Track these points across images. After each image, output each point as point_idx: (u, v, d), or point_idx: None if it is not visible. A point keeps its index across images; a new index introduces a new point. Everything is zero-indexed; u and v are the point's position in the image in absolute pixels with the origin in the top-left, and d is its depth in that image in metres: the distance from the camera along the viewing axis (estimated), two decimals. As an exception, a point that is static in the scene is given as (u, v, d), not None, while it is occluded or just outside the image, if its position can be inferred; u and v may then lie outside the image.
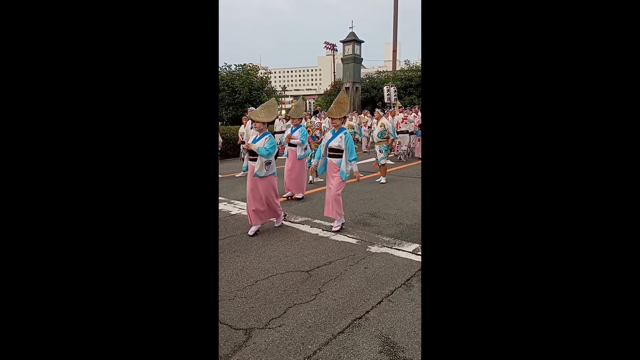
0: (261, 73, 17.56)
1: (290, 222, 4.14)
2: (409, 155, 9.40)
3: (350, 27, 18.21)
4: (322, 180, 6.60)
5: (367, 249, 3.25)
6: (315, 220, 4.15)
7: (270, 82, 18.28)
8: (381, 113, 6.79)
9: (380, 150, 6.32)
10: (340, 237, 3.58)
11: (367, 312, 2.20)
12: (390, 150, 6.77)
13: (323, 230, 3.81)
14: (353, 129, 10.23)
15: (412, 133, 9.40)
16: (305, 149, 5.36)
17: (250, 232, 3.68)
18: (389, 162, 7.36)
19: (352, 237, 3.57)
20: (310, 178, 6.49)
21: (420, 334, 1.96)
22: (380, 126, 6.33)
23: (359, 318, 2.13)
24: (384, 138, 6.32)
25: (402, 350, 1.83)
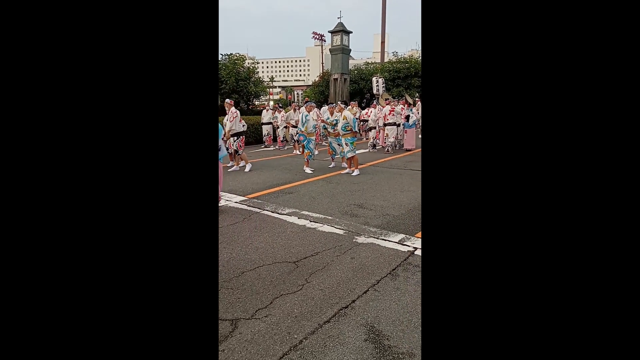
0: (248, 63, 17.29)
1: (278, 213, 4.13)
2: (396, 147, 9.46)
3: (338, 18, 18.02)
4: (312, 172, 6.60)
5: (354, 240, 3.28)
6: (303, 212, 4.15)
7: (258, 72, 18.03)
8: (343, 106, 6.82)
9: (346, 144, 6.34)
10: (327, 228, 3.60)
11: (353, 301, 2.22)
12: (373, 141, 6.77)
13: (310, 221, 3.82)
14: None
15: (399, 125, 9.45)
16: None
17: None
18: (386, 153, 7.37)
19: (340, 228, 3.59)
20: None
21: (404, 322, 2.00)
22: (343, 119, 6.37)
23: (345, 307, 2.15)
24: (347, 130, 6.34)
25: (387, 338, 1.86)
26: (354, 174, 6.29)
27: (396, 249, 3.04)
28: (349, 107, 11.59)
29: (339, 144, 6.72)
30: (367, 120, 10.56)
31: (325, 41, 28.23)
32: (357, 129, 6.57)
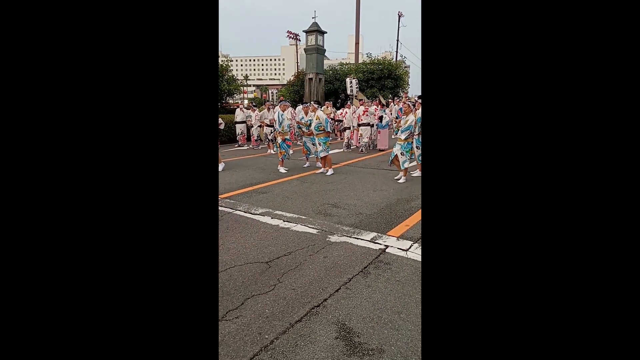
0: (221, 60, 16.95)
1: (251, 213, 4.08)
2: (370, 147, 9.60)
3: (313, 17, 18.04)
4: (286, 172, 6.57)
5: (327, 239, 3.29)
6: (276, 212, 4.13)
7: (231, 70, 17.71)
8: (316, 106, 6.85)
9: (319, 143, 6.39)
10: (300, 228, 3.60)
11: (325, 300, 2.24)
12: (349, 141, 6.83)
13: (284, 221, 3.80)
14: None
15: (372, 125, 9.59)
16: None
17: None
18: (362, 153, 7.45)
19: (313, 228, 3.60)
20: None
21: (375, 319, 2.03)
22: (316, 119, 6.42)
23: (317, 306, 2.16)
24: (320, 130, 6.40)
25: (357, 335, 1.88)
26: (327, 173, 6.33)
27: (368, 247, 3.09)
28: (323, 107, 11.66)
29: (313, 144, 6.73)
30: (341, 121, 10.65)
31: (300, 40, 28.18)
32: (330, 129, 6.60)
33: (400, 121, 6.28)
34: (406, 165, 5.74)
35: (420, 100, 8.57)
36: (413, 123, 5.79)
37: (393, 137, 10.57)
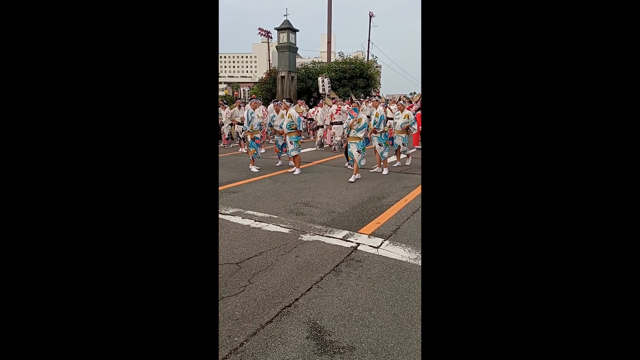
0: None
1: (221, 213, 3.99)
2: (342, 145, 9.65)
3: (285, 15, 17.89)
4: (258, 170, 6.48)
5: (299, 238, 3.28)
6: (248, 211, 4.06)
7: (201, 67, 17.20)
8: (288, 104, 6.87)
9: (290, 142, 6.37)
10: (272, 228, 3.56)
11: (297, 299, 2.22)
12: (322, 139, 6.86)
13: (255, 221, 3.75)
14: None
15: (343, 123, 9.63)
16: None
17: None
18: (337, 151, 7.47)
19: (285, 227, 3.57)
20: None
21: (346, 316, 2.04)
22: (288, 117, 6.39)
23: (288, 306, 2.14)
24: (292, 129, 6.38)
25: (329, 334, 1.88)
26: (295, 172, 6.28)
27: (340, 245, 3.10)
28: (296, 105, 11.59)
29: (284, 142, 6.67)
30: (313, 119, 10.64)
31: (272, 38, 27.87)
32: (302, 128, 6.57)
33: (354, 121, 6.33)
34: (362, 162, 5.82)
35: (410, 100, 8.77)
36: (368, 121, 5.98)
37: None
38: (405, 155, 7.26)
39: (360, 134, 5.78)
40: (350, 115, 5.88)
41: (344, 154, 6.85)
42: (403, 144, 6.88)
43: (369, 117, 6.74)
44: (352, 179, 5.70)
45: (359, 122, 5.78)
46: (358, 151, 5.76)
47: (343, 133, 9.56)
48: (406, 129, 6.76)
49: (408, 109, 7.04)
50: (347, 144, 6.14)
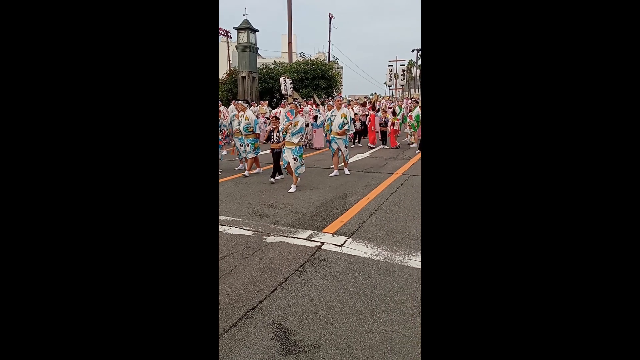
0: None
1: (181, 218, 3.86)
2: (306, 146, 9.69)
3: (244, 15, 17.62)
4: (220, 173, 6.32)
5: (263, 240, 3.25)
6: (209, 215, 3.95)
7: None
8: (245, 105, 6.56)
9: (247, 144, 6.22)
10: (235, 231, 3.50)
11: (261, 301, 2.21)
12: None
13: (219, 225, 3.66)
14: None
15: (308, 125, 9.68)
16: None
17: None
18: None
19: (248, 229, 3.53)
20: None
21: (310, 315, 2.06)
22: (245, 119, 6.22)
23: (252, 309, 2.13)
24: (249, 131, 6.22)
25: (293, 334, 1.89)
26: (247, 174, 6.16)
27: (304, 246, 3.12)
28: (259, 106, 11.47)
29: (241, 144, 6.54)
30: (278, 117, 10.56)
31: (231, 37, 27.32)
32: (258, 130, 6.38)
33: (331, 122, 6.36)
34: (300, 171, 5.23)
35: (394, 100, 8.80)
36: (304, 125, 5.37)
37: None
38: (343, 164, 6.44)
39: (295, 139, 5.22)
40: (286, 117, 5.36)
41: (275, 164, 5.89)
42: (346, 147, 6.26)
43: (315, 119, 6.41)
44: (292, 189, 5.10)
45: (294, 126, 5.22)
46: (294, 158, 5.18)
47: (306, 134, 9.61)
48: (343, 132, 6.20)
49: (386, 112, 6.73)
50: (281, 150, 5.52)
